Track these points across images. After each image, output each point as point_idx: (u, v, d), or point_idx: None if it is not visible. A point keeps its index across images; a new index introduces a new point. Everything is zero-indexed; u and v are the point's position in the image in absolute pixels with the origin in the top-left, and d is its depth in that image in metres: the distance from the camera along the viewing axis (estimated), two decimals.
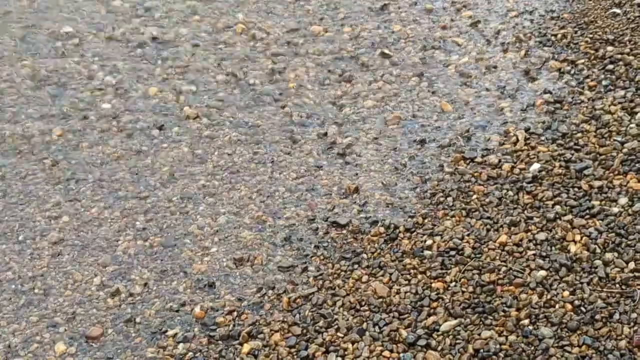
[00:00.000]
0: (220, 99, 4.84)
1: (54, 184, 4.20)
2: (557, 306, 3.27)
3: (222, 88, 4.95)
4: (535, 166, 4.04)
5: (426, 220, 3.85)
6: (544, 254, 3.51)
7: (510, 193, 3.91)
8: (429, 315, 3.34)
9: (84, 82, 4.96)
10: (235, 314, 3.49)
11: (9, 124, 4.59)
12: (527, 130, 4.34)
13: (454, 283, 3.45)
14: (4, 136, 4.51)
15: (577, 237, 3.56)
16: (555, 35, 5.11)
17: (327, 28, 5.51)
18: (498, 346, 3.14)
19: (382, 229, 3.83)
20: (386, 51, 5.22)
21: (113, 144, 4.50)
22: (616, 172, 3.89)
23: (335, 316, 3.39)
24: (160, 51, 5.25)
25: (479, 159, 4.20)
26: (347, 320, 3.37)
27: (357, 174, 4.24)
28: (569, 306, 3.26)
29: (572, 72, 4.75)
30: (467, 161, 4.22)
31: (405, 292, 3.46)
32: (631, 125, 4.15)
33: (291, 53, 5.27)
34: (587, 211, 3.69)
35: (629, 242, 3.49)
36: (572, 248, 3.51)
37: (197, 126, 4.62)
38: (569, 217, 3.68)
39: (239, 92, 4.91)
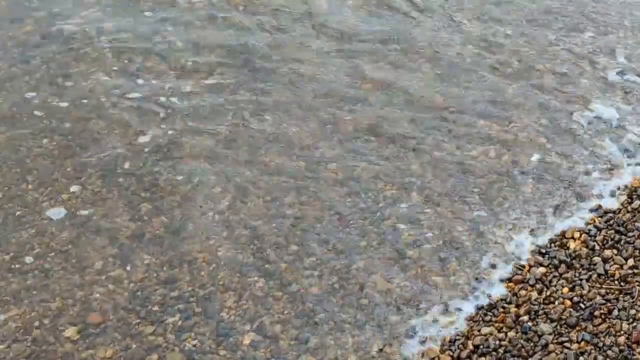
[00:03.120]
0: None
1: None
2: (556, 302, 3.29)
3: None
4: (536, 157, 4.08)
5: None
6: (543, 250, 3.54)
7: None
8: None
9: None
10: (237, 304, 3.50)
11: None
12: None
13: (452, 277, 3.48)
14: None
15: (577, 234, 3.58)
16: None
17: None
18: (497, 342, 3.16)
19: None
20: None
21: None
22: None
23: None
24: None
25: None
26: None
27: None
28: (568, 302, 3.28)
29: None
30: None
31: (406, 286, 3.47)
32: None
33: None
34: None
35: (627, 239, 3.51)
36: (572, 245, 3.53)
37: None
38: None
39: None
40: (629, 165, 4.05)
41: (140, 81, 4.71)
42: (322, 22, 5.26)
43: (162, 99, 4.59)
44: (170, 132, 4.35)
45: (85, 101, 4.51)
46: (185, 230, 3.79)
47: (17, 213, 3.82)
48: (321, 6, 5.43)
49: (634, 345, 3.10)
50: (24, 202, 3.89)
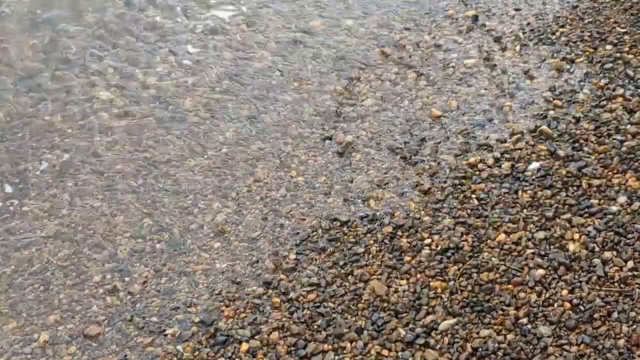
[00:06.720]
0: None
1: None
2: (555, 305, 3.27)
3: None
4: (535, 165, 4.05)
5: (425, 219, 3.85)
6: (542, 252, 3.52)
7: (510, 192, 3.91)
8: (428, 314, 3.34)
9: None
10: (235, 313, 3.49)
11: None
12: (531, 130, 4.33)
13: (452, 282, 3.45)
14: None
15: (576, 236, 3.56)
16: (554, 33, 5.10)
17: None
18: (496, 345, 3.14)
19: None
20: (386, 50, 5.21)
21: None
22: (615, 171, 3.89)
23: (334, 315, 3.40)
24: None
25: (479, 157, 4.20)
26: (346, 319, 3.37)
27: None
28: (567, 305, 3.26)
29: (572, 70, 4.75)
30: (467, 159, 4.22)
31: (404, 291, 3.46)
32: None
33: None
34: (586, 210, 3.70)
35: (627, 241, 3.50)
36: (571, 247, 3.52)
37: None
38: (568, 215, 3.68)
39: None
40: None
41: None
42: None
43: None
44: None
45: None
46: (184, 242, 3.81)
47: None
48: None
49: (634, 348, 3.08)
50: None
